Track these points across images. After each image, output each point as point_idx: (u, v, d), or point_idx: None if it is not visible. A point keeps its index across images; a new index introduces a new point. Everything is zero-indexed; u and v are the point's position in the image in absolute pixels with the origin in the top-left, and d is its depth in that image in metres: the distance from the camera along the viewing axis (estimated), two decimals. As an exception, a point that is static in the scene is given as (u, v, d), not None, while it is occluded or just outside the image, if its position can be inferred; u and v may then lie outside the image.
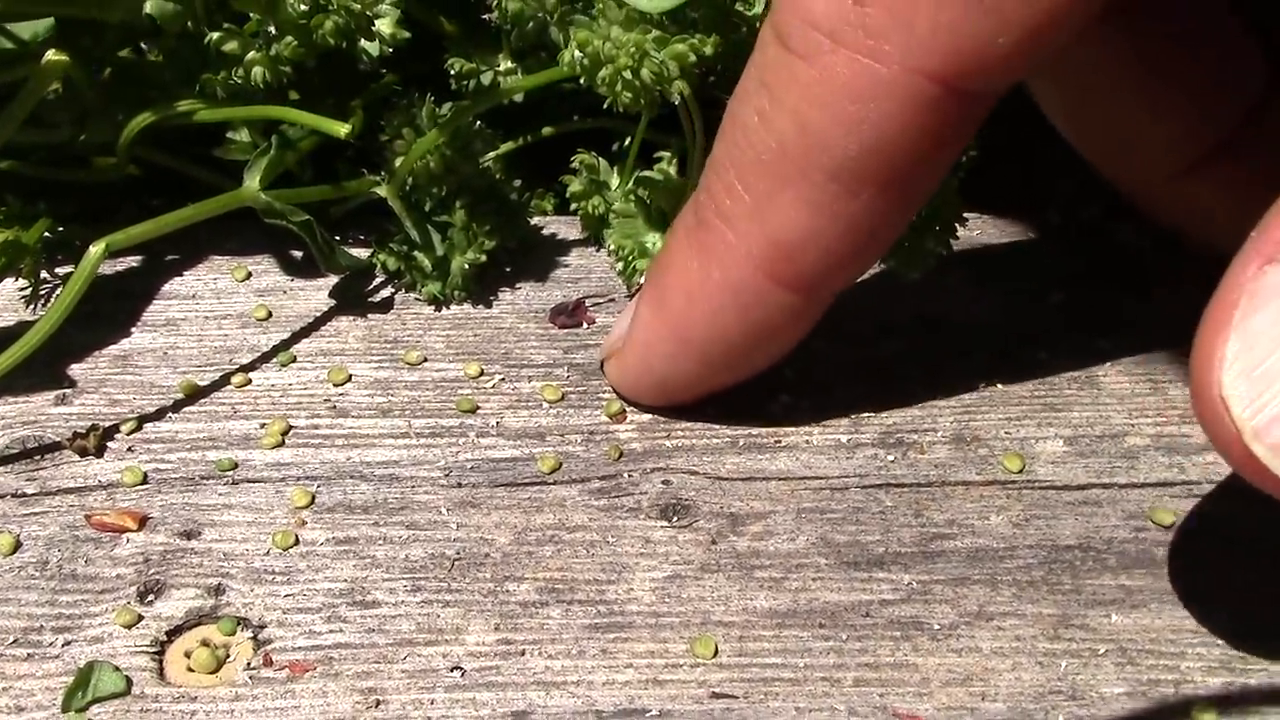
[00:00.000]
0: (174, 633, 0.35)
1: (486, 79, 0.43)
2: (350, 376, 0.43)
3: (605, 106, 0.40)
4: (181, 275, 0.47)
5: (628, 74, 0.39)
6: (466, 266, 0.45)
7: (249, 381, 0.42)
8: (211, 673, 0.34)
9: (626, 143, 0.51)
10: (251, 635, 0.35)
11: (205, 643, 0.35)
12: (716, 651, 0.34)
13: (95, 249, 0.39)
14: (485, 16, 0.44)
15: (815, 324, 0.38)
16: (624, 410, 0.41)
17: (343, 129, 0.41)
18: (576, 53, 0.40)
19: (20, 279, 0.45)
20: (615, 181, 0.45)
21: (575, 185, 0.46)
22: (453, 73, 0.43)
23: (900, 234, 0.37)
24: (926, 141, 0.32)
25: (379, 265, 0.46)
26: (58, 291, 0.45)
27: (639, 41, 0.39)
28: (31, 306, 0.45)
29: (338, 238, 0.48)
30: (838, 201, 0.33)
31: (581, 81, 0.40)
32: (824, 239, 0.34)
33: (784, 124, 0.33)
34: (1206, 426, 0.28)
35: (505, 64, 0.44)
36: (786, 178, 0.34)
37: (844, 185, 0.33)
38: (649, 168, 0.43)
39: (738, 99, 0.35)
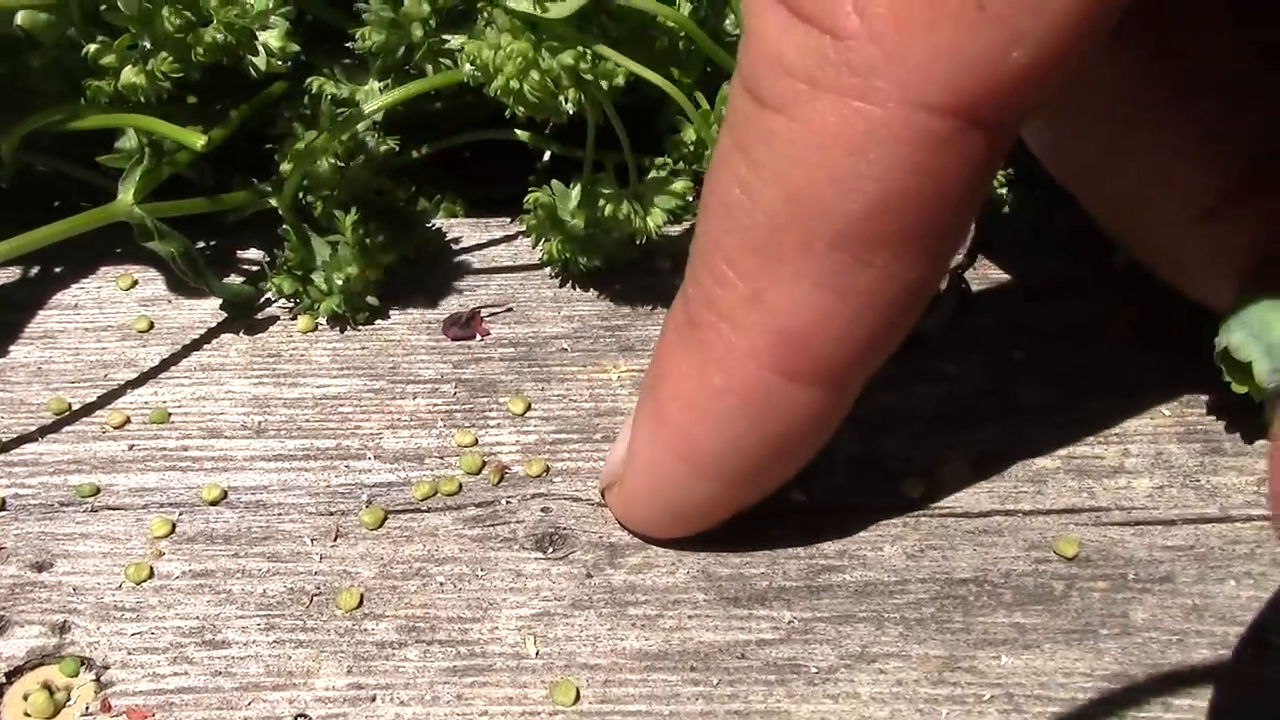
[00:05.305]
0: (14, 674, 0.34)
1: (362, 99, 0.41)
2: (226, 393, 0.41)
3: (508, 115, 0.38)
4: (67, 285, 0.45)
5: (515, 84, 0.37)
6: (358, 284, 0.42)
7: (121, 400, 0.41)
8: (48, 719, 0.32)
9: (547, 156, 0.49)
10: (94, 677, 0.33)
11: (46, 685, 0.33)
12: (578, 697, 0.33)
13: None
14: (348, 44, 0.41)
15: (847, 416, 0.33)
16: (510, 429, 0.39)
17: (199, 141, 0.39)
18: (468, 66, 0.38)
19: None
20: (572, 214, 0.42)
21: (533, 228, 0.43)
22: (310, 92, 0.41)
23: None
24: (943, 188, 0.27)
25: (273, 288, 0.44)
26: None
27: (523, 50, 0.37)
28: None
29: (232, 248, 0.46)
30: (847, 274, 0.28)
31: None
32: (838, 321, 0.29)
33: (769, 192, 0.28)
34: None
35: (373, 85, 0.42)
36: (782, 256, 0.28)
37: (852, 254, 0.28)
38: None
39: (714, 169, 0.30)
